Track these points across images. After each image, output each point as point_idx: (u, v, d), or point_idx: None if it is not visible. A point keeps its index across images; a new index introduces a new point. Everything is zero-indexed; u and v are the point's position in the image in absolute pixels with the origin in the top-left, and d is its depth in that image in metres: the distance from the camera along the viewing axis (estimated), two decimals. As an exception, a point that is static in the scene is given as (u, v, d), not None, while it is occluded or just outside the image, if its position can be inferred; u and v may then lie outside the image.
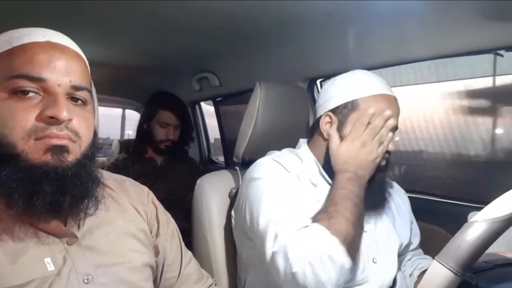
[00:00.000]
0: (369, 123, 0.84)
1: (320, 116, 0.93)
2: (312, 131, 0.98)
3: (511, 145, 1.29)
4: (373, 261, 0.88)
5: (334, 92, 0.92)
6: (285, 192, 0.82)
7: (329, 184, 0.89)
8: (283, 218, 0.77)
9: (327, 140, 0.91)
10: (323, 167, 0.91)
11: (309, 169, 0.91)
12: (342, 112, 0.89)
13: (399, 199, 1.02)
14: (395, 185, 1.05)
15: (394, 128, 0.87)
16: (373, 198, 0.87)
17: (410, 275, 0.99)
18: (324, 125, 0.91)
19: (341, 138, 0.88)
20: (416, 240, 1.04)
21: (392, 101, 0.88)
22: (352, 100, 0.88)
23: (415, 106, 1.51)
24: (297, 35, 1.23)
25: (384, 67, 1.24)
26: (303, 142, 0.99)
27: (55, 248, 0.58)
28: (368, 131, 0.84)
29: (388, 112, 0.84)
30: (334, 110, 0.90)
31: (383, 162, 0.88)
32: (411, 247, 1.03)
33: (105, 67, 1.82)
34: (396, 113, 0.87)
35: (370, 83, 0.89)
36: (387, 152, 0.88)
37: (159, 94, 1.87)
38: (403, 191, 1.09)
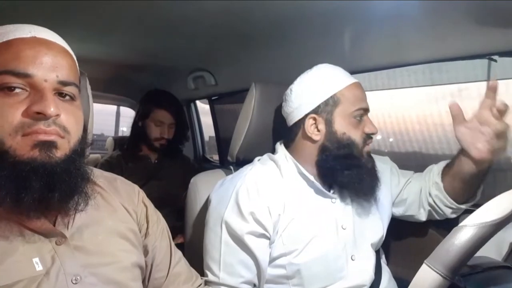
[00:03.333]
0: (354, 111, 0.89)
1: (299, 120, 0.93)
2: (291, 137, 0.96)
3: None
4: (351, 258, 0.89)
5: (308, 93, 0.92)
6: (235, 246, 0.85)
7: (319, 189, 0.90)
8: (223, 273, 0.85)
9: (316, 142, 0.91)
10: (317, 171, 0.91)
11: (287, 180, 0.91)
12: (325, 109, 0.90)
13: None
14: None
15: (367, 110, 0.92)
16: (363, 185, 0.88)
17: (434, 183, 0.98)
18: (309, 128, 0.91)
19: (329, 134, 0.90)
20: (410, 186, 1.03)
21: (359, 86, 0.93)
22: (332, 96, 0.90)
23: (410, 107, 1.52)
24: (293, 36, 1.23)
25: (380, 69, 1.24)
26: (280, 148, 0.98)
27: (43, 248, 0.57)
28: (353, 119, 0.89)
29: (361, 96, 0.91)
30: (316, 111, 0.90)
31: (368, 147, 0.91)
32: (409, 198, 1.02)
33: (100, 64, 1.81)
34: (365, 96, 0.93)
35: (339, 75, 0.93)
36: (370, 136, 0.91)
37: (154, 92, 1.85)
38: (378, 158, 1.08)
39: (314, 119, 0.90)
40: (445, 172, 0.97)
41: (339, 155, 0.88)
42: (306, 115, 0.91)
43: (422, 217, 1.02)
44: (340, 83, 0.91)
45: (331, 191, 0.91)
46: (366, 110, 0.91)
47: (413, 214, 1.03)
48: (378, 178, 0.92)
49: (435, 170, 1.00)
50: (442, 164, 1.00)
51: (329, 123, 0.89)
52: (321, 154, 0.90)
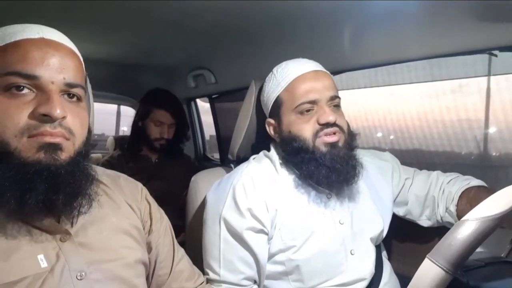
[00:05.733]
0: (296, 107, 0.87)
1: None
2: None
3: (503, 143, 1.30)
4: (351, 253, 0.89)
5: (263, 99, 0.98)
6: (234, 246, 0.86)
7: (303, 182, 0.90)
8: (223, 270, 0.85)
9: (278, 142, 0.94)
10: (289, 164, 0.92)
11: (283, 176, 0.92)
12: (274, 112, 0.93)
13: (372, 171, 0.99)
14: (367, 153, 1.03)
15: (329, 99, 0.87)
16: (327, 177, 0.85)
17: (447, 209, 0.95)
18: (270, 131, 0.96)
19: (280, 134, 0.92)
20: (413, 190, 1.01)
21: (308, 78, 0.89)
22: (276, 98, 0.92)
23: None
24: (293, 34, 1.23)
25: (380, 66, 1.24)
26: (272, 145, 0.99)
27: (48, 245, 0.57)
28: (299, 115, 0.88)
29: (305, 89, 0.87)
30: (270, 115, 0.96)
31: (332, 138, 0.86)
32: (412, 198, 1.01)
33: (100, 63, 1.81)
34: (321, 85, 0.87)
35: (284, 73, 0.92)
36: (336, 125, 0.87)
37: (154, 92, 1.84)
38: (379, 154, 1.08)
39: (270, 123, 0.95)
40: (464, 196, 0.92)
41: (293, 151, 0.89)
42: (266, 120, 0.97)
43: (423, 224, 1.02)
44: (283, 82, 0.90)
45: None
46: (313, 102, 0.86)
47: (414, 220, 1.03)
48: (351, 166, 0.87)
49: (454, 192, 0.94)
50: (463, 188, 0.93)
51: (278, 124, 0.93)
52: (283, 152, 0.93)
